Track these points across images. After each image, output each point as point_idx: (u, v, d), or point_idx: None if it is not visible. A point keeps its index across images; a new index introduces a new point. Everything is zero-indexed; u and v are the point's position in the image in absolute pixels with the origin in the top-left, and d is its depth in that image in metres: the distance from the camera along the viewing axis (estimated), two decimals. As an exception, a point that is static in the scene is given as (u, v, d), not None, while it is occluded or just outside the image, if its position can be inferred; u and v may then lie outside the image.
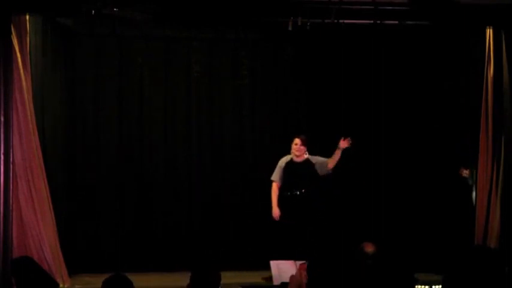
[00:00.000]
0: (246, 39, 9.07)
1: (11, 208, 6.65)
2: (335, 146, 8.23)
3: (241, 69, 9.07)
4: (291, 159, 7.89)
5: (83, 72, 8.76)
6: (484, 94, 8.21)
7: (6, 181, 6.58)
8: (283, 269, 6.93)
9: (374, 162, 8.93)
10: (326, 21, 7.41)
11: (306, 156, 7.89)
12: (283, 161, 7.90)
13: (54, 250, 7.29)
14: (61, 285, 7.20)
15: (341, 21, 7.48)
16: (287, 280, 6.72)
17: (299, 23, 7.43)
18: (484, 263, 3.02)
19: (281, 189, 7.87)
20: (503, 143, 8.00)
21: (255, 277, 7.78)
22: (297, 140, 7.85)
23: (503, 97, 8.01)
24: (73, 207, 8.51)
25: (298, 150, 7.83)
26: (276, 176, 7.89)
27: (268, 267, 7.19)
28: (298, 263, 6.78)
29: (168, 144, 8.94)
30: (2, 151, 6.58)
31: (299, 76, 9.15)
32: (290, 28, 7.51)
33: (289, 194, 7.82)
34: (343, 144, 7.79)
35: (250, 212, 8.86)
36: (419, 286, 6.57)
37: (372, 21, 7.60)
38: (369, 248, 5.82)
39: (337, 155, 7.83)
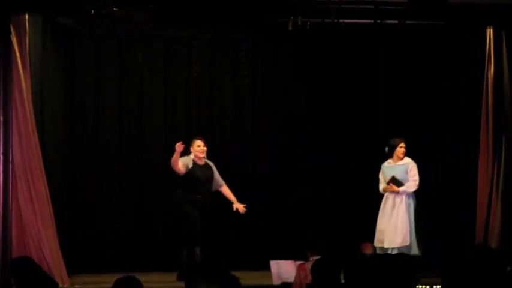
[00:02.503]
0: (246, 39, 9.06)
1: (10, 208, 6.63)
2: (335, 145, 8.23)
3: (241, 69, 9.06)
4: (194, 162, 7.83)
5: (82, 72, 8.76)
6: (484, 94, 8.21)
7: (6, 181, 6.56)
8: (283, 268, 6.92)
9: (374, 162, 8.91)
10: (326, 20, 7.41)
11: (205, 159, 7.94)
12: (189, 159, 7.81)
13: (54, 250, 7.28)
14: (60, 285, 7.19)
15: (341, 20, 7.47)
16: (286, 280, 6.74)
17: (299, 23, 7.42)
18: (484, 263, 3.01)
19: (190, 192, 7.80)
20: (503, 143, 8.00)
21: (255, 277, 7.76)
22: (201, 142, 7.83)
23: (504, 97, 8.01)
24: (72, 207, 8.50)
25: (203, 152, 7.83)
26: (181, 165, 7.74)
27: (268, 267, 7.18)
28: (298, 262, 6.77)
29: (168, 144, 8.91)
30: (1, 151, 6.56)
31: (299, 76, 9.14)
32: (290, 28, 7.50)
33: (199, 197, 7.82)
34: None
35: (250, 211, 8.84)
36: (420, 286, 6.55)
37: (372, 21, 7.60)
38: (368, 250, 5.83)
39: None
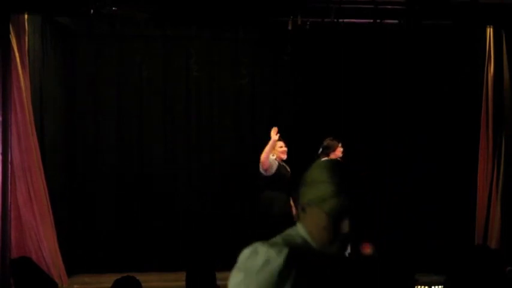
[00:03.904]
0: (246, 39, 9.04)
1: (9, 208, 6.63)
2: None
3: (241, 68, 9.04)
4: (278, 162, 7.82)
5: (82, 72, 8.74)
6: (484, 93, 8.20)
7: (5, 181, 6.57)
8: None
9: (375, 162, 8.90)
10: (326, 20, 7.39)
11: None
12: (272, 160, 7.77)
13: (53, 250, 7.27)
14: (60, 286, 7.19)
15: (341, 20, 7.46)
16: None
17: (299, 23, 7.41)
18: (484, 263, 3.00)
19: (277, 192, 7.72)
20: (503, 142, 7.99)
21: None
22: (283, 143, 7.79)
23: (504, 97, 8.00)
24: (72, 207, 8.49)
25: (285, 152, 7.79)
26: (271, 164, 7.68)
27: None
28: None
29: (167, 144, 8.93)
30: (0, 151, 6.57)
31: (299, 76, 9.12)
32: (290, 27, 7.49)
33: (286, 197, 7.71)
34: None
35: (250, 211, 8.84)
36: (419, 286, 6.55)
37: (371, 21, 7.58)
38: (367, 250, 5.81)
39: None
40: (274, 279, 2.00)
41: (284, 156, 7.80)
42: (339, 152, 7.80)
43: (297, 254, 2.04)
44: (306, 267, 2.02)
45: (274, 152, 7.78)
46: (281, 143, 7.81)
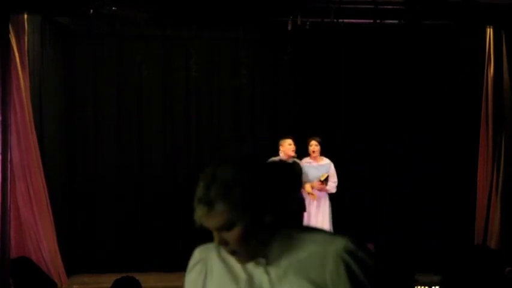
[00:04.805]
0: (246, 39, 9.04)
1: (9, 208, 6.63)
2: (335, 146, 8.22)
3: (240, 68, 9.04)
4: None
5: (81, 71, 8.74)
6: (484, 94, 8.20)
7: (4, 181, 6.56)
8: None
9: (375, 162, 8.90)
10: (325, 20, 7.39)
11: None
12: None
13: (53, 250, 7.27)
14: (59, 286, 7.19)
15: (340, 20, 7.45)
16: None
17: (298, 23, 7.41)
18: (483, 263, 3.00)
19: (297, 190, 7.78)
20: (503, 142, 7.99)
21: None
22: (292, 141, 7.86)
23: (504, 97, 8.01)
24: (71, 207, 8.49)
25: (294, 151, 7.83)
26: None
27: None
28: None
29: (167, 144, 8.92)
30: (0, 151, 6.56)
31: (299, 76, 9.12)
32: (290, 27, 7.48)
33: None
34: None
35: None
36: (419, 287, 6.54)
37: (371, 21, 7.58)
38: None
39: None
40: (186, 284, 2.09)
41: (292, 154, 7.84)
42: (310, 151, 7.85)
43: (209, 257, 2.08)
44: (212, 270, 2.06)
45: (283, 149, 7.83)
46: (290, 141, 7.86)
